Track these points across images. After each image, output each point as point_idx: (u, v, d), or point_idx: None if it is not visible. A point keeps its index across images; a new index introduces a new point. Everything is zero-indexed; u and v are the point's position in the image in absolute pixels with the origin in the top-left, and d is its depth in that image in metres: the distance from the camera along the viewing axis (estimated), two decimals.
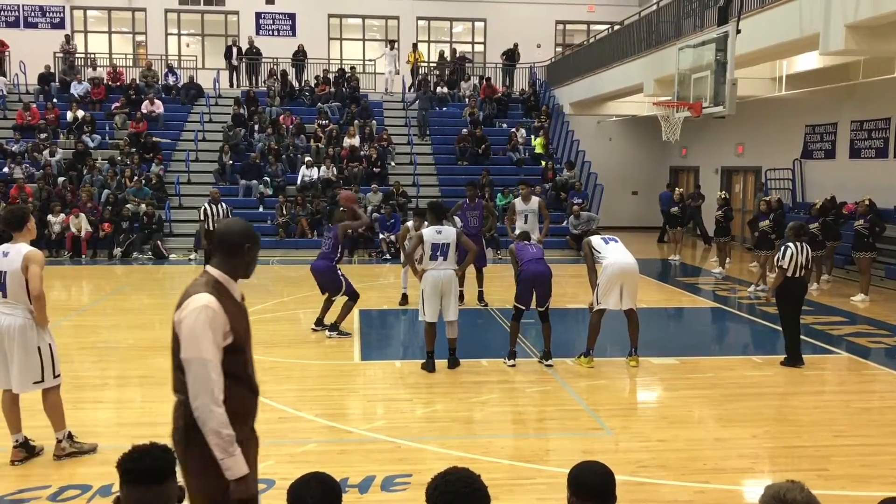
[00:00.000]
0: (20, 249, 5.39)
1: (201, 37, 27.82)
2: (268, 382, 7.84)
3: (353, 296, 9.76)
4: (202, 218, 13.45)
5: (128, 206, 18.22)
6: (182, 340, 3.05)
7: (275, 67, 24.80)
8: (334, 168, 20.39)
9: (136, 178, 19.19)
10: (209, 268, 3.26)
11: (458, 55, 26.31)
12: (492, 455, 5.68)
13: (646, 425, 6.58)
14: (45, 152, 19.94)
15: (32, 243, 5.59)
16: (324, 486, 2.62)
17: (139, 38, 27.27)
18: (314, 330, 9.93)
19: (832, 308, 11.99)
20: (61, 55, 24.57)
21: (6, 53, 24.18)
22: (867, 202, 12.79)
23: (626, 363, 8.37)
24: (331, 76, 24.64)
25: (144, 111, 22.11)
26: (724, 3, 12.66)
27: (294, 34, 26.72)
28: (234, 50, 24.99)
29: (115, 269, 16.60)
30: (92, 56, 25.35)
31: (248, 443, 3.22)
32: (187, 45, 27.77)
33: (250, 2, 26.75)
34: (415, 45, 26.18)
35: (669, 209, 18.72)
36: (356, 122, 22.29)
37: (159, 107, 22.55)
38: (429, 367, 8.04)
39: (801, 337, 8.60)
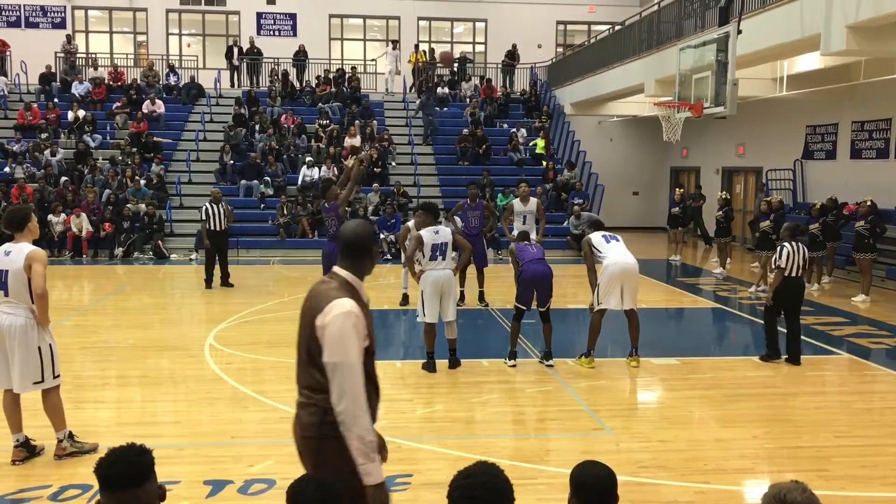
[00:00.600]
0: (22, 249, 5.40)
1: (202, 37, 27.83)
2: (268, 382, 7.86)
3: None
4: (203, 218, 13.44)
5: (129, 205, 18.23)
6: (328, 345, 3.12)
7: (276, 67, 24.82)
8: (335, 168, 20.39)
9: (137, 177, 19.21)
10: (338, 270, 3.29)
11: (439, 56, 25.97)
12: (492, 455, 5.67)
13: (646, 426, 6.58)
14: (47, 152, 19.95)
15: (34, 243, 5.60)
16: (323, 486, 2.62)
17: (140, 37, 27.27)
18: None
19: (833, 309, 11.99)
20: (62, 55, 24.58)
21: (7, 53, 24.21)
22: (868, 203, 12.79)
23: (627, 363, 8.37)
24: (332, 76, 24.64)
25: (145, 111, 22.12)
26: (725, 4, 12.64)
27: (295, 34, 26.72)
28: (235, 50, 25.00)
29: (116, 268, 16.61)
30: (93, 56, 25.35)
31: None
32: (188, 45, 27.78)
33: (251, 2, 26.75)
34: (416, 46, 26.19)
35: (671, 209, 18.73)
36: (357, 122, 22.30)
37: (160, 107, 22.56)
38: (429, 367, 8.05)
39: (802, 337, 8.60)
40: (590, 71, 22.07)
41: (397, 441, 6.01)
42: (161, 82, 24.24)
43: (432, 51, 26.21)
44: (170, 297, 13.85)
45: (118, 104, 22.51)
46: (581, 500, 2.71)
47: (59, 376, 5.58)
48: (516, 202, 11.88)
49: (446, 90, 25.06)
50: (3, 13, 25.84)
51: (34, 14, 26.04)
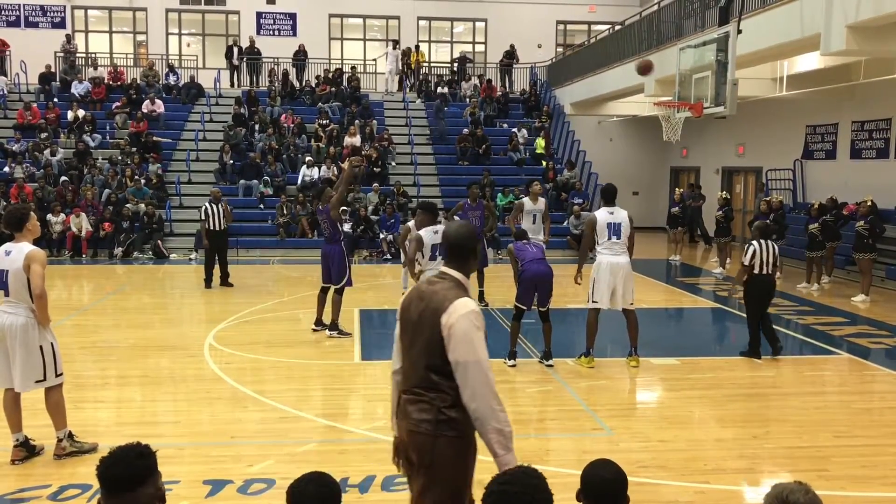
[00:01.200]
0: (22, 248, 5.41)
1: (202, 36, 27.82)
2: (268, 382, 7.86)
3: (341, 290, 9.75)
4: (203, 217, 13.44)
5: (128, 205, 18.22)
6: (455, 344, 3.17)
7: (275, 67, 24.81)
8: (335, 168, 20.39)
9: (136, 177, 19.20)
10: (449, 271, 3.39)
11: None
12: (492, 455, 5.66)
13: (646, 425, 6.58)
14: (46, 152, 19.95)
15: (34, 242, 5.60)
16: (323, 486, 2.61)
17: (140, 37, 27.27)
18: (314, 330, 9.93)
19: (833, 309, 11.99)
20: (62, 55, 24.58)
21: (7, 53, 24.19)
22: (869, 203, 12.79)
23: (627, 363, 8.37)
24: (331, 76, 24.63)
25: (145, 111, 22.12)
26: (724, 4, 12.64)
27: (295, 34, 26.72)
28: (235, 50, 25.00)
29: (116, 268, 16.60)
30: (93, 56, 25.35)
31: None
32: (188, 45, 27.77)
33: (251, 1, 26.75)
34: (417, 46, 26.19)
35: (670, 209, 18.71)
36: (357, 121, 22.30)
37: (160, 106, 22.56)
38: None
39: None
40: (590, 71, 22.07)
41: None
42: (161, 82, 24.23)
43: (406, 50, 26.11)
44: (169, 296, 13.85)
45: (118, 104, 22.51)
46: (591, 499, 2.68)
47: (61, 374, 5.59)
48: (527, 201, 11.67)
49: (446, 90, 25.04)
50: (3, 13, 25.83)
51: (34, 14, 26.04)
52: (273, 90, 23.86)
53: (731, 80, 12.02)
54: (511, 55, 26.03)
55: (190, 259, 17.47)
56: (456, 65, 26.61)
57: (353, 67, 25.34)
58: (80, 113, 21.55)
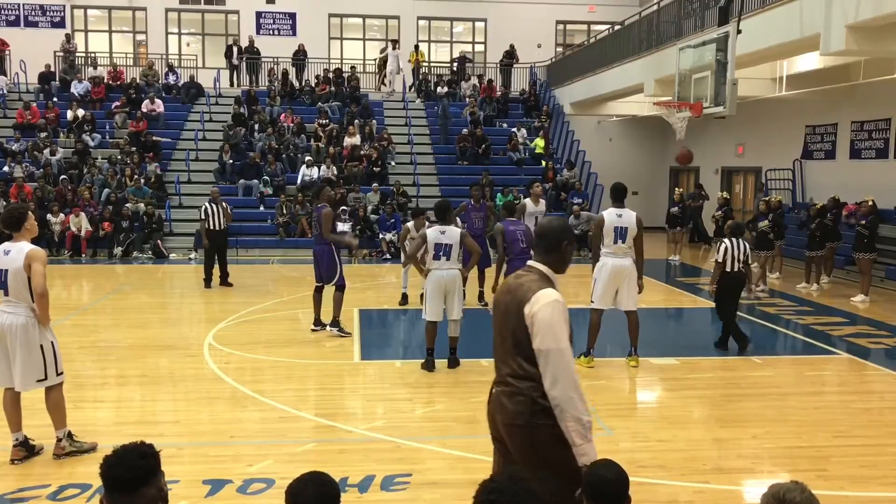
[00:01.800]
0: (22, 248, 5.40)
1: (202, 36, 27.81)
2: (268, 382, 7.86)
3: (342, 287, 9.75)
4: (202, 217, 13.44)
5: (128, 205, 18.22)
6: (539, 332, 3.25)
7: (275, 67, 24.80)
8: (335, 167, 20.40)
9: (136, 177, 19.20)
10: (535, 263, 3.47)
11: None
12: (492, 455, 5.67)
13: (646, 425, 6.58)
14: (46, 151, 19.94)
15: (33, 242, 5.59)
16: (322, 486, 2.61)
17: (139, 37, 27.26)
18: (314, 330, 9.92)
19: (832, 309, 11.99)
20: (62, 54, 24.56)
21: (6, 52, 24.16)
22: (870, 203, 12.79)
23: (626, 363, 8.37)
24: (331, 76, 24.63)
25: (145, 110, 22.11)
26: (724, 4, 12.64)
27: (294, 34, 26.71)
28: (235, 49, 24.99)
29: (116, 268, 16.60)
30: (92, 55, 25.34)
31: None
32: (188, 45, 27.76)
33: (251, 1, 26.73)
34: (416, 46, 26.17)
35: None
36: (356, 121, 22.29)
37: (160, 106, 22.55)
38: (428, 365, 8.04)
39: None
40: (589, 71, 22.06)
41: (397, 441, 6.02)
42: (160, 81, 24.22)
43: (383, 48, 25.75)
44: (169, 296, 13.85)
45: (117, 103, 22.50)
46: (593, 499, 2.69)
47: (62, 373, 5.59)
48: (528, 202, 11.61)
49: (445, 89, 25.04)
50: (3, 12, 25.82)
51: (33, 13, 26.02)
52: (273, 90, 23.86)
53: (731, 80, 12.02)
54: (511, 55, 26.02)
55: (189, 259, 17.47)
56: (456, 65, 26.60)
57: (353, 67, 25.33)
58: (80, 112, 21.54)
